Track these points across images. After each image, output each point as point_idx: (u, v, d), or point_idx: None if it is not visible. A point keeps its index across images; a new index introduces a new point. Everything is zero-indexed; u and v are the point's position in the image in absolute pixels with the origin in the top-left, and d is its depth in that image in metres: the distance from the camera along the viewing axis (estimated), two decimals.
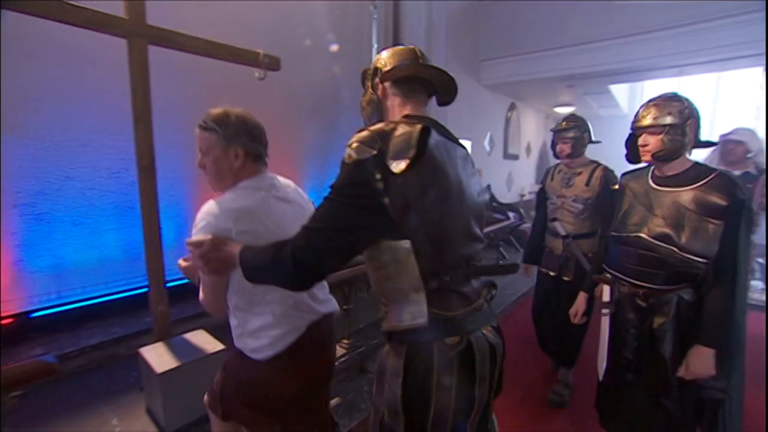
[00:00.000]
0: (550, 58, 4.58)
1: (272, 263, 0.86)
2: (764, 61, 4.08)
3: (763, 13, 3.58)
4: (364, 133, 0.85)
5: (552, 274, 2.32)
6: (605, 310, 1.58)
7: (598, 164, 2.22)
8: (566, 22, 4.42)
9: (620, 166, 1.72)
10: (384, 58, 1.02)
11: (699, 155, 1.52)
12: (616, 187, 1.96)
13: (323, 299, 1.28)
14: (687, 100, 1.38)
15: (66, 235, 2.46)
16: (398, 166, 0.80)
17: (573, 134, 2.21)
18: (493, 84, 5.18)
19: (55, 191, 2.40)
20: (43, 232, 2.38)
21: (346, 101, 3.95)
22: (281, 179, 1.24)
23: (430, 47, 4.27)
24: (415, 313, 0.89)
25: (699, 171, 1.36)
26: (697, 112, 1.38)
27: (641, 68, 4.40)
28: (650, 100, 1.42)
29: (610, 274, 1.56)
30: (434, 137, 0.89)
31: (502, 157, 6.25)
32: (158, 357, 1.84)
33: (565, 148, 2.25)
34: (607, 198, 2.06)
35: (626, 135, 1.54)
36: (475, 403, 0.91)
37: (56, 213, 2.42)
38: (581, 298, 1.80)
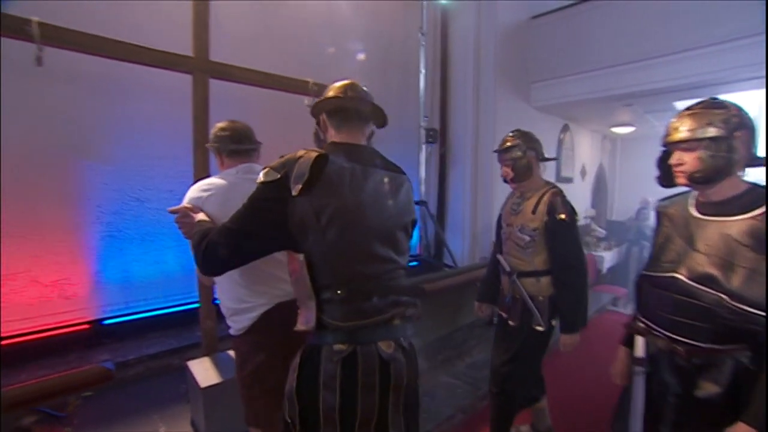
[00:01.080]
0: (605, 77, 4.35)
1: (195, 245, 1.04)
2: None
3: None
4: (277, 161, 1.01)
5: (504, 315, 2.01)
6: (638, 368, 1.26)
7: (551, 188, 1.89)
8: (622, 37, 4.21)
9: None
10: (324, 93, 1.15)
11: (758, 175, 1.19)
12: (562, 217, 1.77)
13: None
14: (735, 106, 1.11)
15: (135, 252, 2.72)
16: (295, 189, 0.95)
17: (514, 154, 1.89)
18: (544, 106, 5.01)
19: (127, 211, 2.67)
20: (116, 248, 2.65)
21: (393, 128, 4.02)
22: (259, 166, 1.52)
23: (479, 71, 4.26)
24: (308, 318, 1.01)
25: (756, 195, 1.08)
26: (751, 122, 1.11)
27: (713, 82, 4.03)
28: (685, 109, 1.16)
29: (643, 323, 1.27)
30: (337, 163, 1.01)
31: (555, 180, 5.97)
32: (203, 371, 1.93)
33: (507, 171, 1.92)
34: (554, 230, 1.79)
35: None
36: (358, 409, 0.97)
37: (128, 231, 2.68)
38: (621, 353, 1.40)
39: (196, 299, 2.93)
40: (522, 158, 1.88)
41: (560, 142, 6.01)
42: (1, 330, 2.25)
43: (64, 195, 2.45)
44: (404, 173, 1.19)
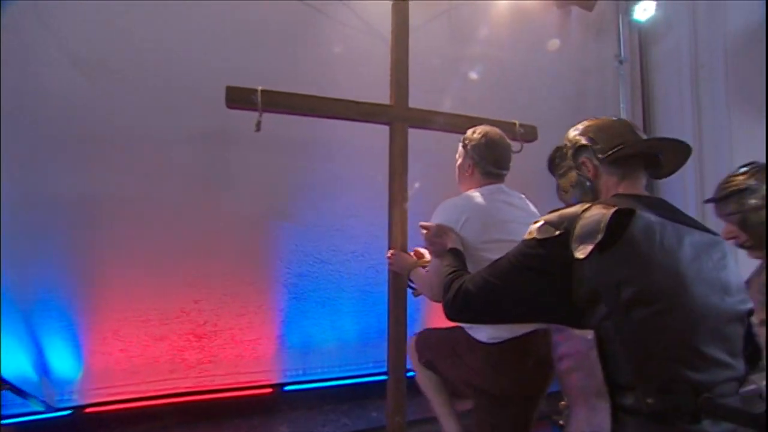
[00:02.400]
0: None
1: (445, 284, 0.97)
2: None
3: None
4: (553, 215, 0.85)
5: None
6: None
7: None
8: None
9: None
10: (590, 134, 0.98)
11: None
12: None
13: None
14: None
15: (315, 315, 2.63)
16: (581, 251, 0.77)
17: (746, 204, 1.19)
18: None
19: (310, 272, 2.63)
20: (299, 311, 2.60)
21: None
22: (510, 190, 1.47)
23: (698, 92, 3.32)
24: (594, 424, 0.77)
25: None
26: None
27: None
28: None
29: None
30: (644, 220, 0.79)
31: None
32: None
33: (730, 230, 1.24)
34: None
35: None
36: None
37: (310, 293, 2.62)
38: None
39: (371, 371, 2.74)
40: (762, 209, 1.16)
41: None
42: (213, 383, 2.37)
43: (261, 255, 2.54)
44: (718, 235, 0.91)
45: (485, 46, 3.03)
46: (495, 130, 1.48)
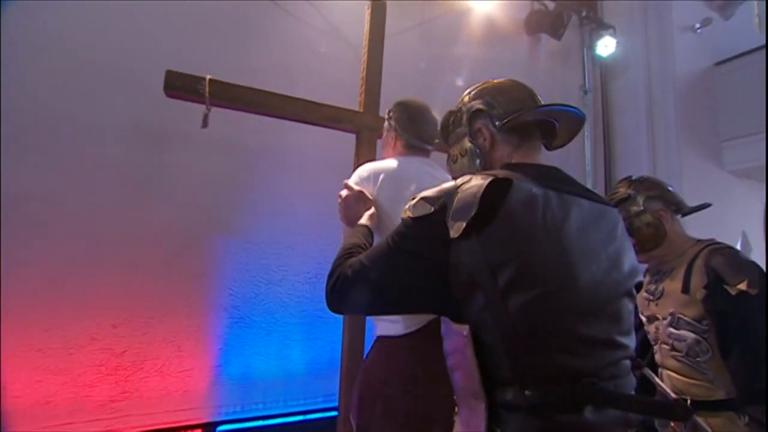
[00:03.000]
0: None
1: (334, 264, 0.84)
2: None
3: None
4: (431, 189, 0.75)
5: None
6: None
7: (707, 244, 1.24)
8: None
9: None
10: (487, 97, 0.88)
11: None
12: (741, 287, 1.04)
13: None
14: None
15: (259, 343, 2.32)
16: (455, 229, 0.67)
17: (629, 210, 1.32)
18: (740, 169, 3.92)
19: (256, 294, 2.32)
20: (240, 338, 2.27)
21: None
22: (437, 165, 1.31)
23: (653, 129, 3.48)
24: (472, 425, 0.70)
25: None
26: None
27: None
28: None
29: None
30: (524, 192, 0.70)
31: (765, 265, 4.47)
32: None
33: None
34: (725, 312, 1.09)
35: None
36: None
37: (254, 318, 2.31)
38: None
39: (321, 406, 2.45)
40: (642, 215, 1.29)
41: None
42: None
43: (198, 273, 2.20)
44: (611, 205, 0.86)
45: (455, 63, 2.98)
46: (419, 103, 1.35)
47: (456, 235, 0.67)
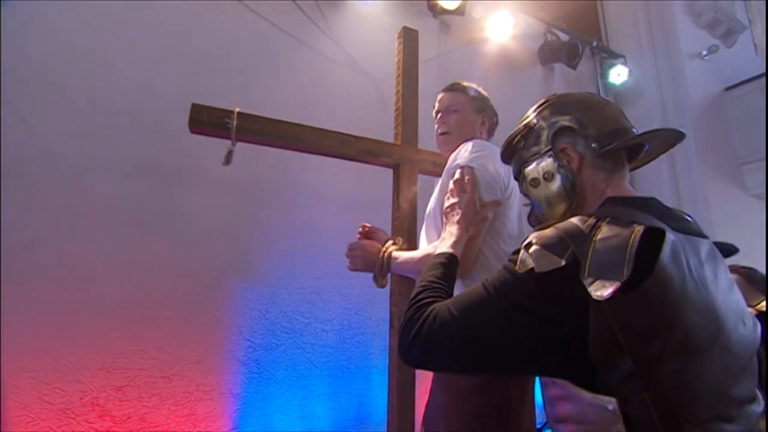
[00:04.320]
0: None
1: (414, 306, 0.72)
2: None
3: None
4: (548, 233, 0.63)
5: None
6: None
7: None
8: None
9: None
10: (576, 115, 0.77)
11: None
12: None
13: None
14: None
15: (280, 400, 2.07)
16: (601, 290, 0.56)
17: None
18: (762, 192, 3.84)
19: (276, 345, 2.11)
20: (259, 394, 2.03)
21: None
22: None
23: (672, 155, 3.41)
24: None
25: None
26: None
27: None
28: None
29: None
30: (671, 243, 0.59)
31: None
32: None
33: None
34: None
35: None
36: None
37: (276, 371, 2.08)
38: None
39: None
40: None
41: None
42: None
43: (213, 323, 1.99)
44: (708, 237, 0.74)
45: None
46: None
47: (604, 297, 0.55)
